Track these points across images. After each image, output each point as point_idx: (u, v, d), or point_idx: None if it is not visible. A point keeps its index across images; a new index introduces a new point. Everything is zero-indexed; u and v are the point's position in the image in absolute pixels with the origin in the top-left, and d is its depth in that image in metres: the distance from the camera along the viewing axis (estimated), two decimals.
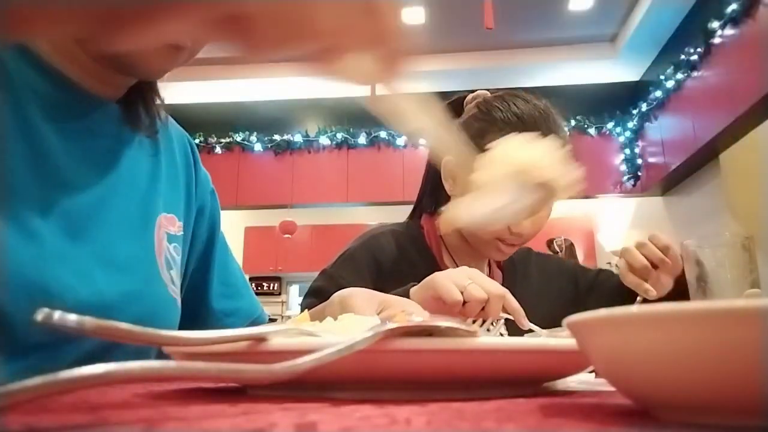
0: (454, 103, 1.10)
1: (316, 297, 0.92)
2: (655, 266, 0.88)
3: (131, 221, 0.61)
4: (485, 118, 0.99)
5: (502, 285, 1.10)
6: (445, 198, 1.05)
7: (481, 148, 0.95)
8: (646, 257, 0.89)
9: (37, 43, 0.55)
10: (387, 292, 0.87)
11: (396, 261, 0.99)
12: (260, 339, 0.31)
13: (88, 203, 0.57)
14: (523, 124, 0.95)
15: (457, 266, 0.99)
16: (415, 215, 1.11)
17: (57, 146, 0.55)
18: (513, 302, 0.71)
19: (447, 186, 1.01)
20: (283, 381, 0.25)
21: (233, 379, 0.28)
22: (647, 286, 0.87)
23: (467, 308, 0.69)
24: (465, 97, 1.08)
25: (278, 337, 0.32)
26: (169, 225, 0.67)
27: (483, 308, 0.70)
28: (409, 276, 0.91)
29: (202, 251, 0.75)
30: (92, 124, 0.60)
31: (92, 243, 0.55)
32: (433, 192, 1.07)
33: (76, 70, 0.57)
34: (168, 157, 0.70)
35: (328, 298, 0.84)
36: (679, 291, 0.87)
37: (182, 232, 0.69)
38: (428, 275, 0.83)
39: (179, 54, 0.55)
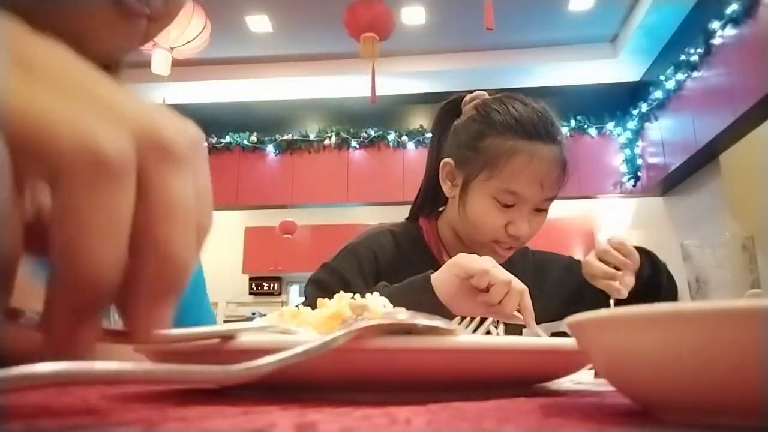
0: (452, 103, 1.10)
1: (318, 288, 0.92)
2: (617, 268, 0.89)
3: None
4: (484, 121, 0.98)
5: None
6: (443, 199, 1.06)
7: (478, 150, 0.96)
8: (610, 262, 0.90)
9: None
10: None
11: (395, 259, 1.00)
12: (229, 337, 0.29)
13: None
14: (521, 126, 0.94)
15: None
16: (412, 216, 1.11)
17: None
18: (528, 300, 0.74)
19: (445, 188, 1.02)
20: (240, 383, 0.23)
21: (185, 380, 0.26)
22: (617, 285, 0.88)
23: (493, 292, 0.73)
24: (463, 97, 1.08)
25: (251, 334, 0.30)
26: None
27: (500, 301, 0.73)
28: (408, 275, 0.92)
29: None
30: None
31: None
32: (432, 193, 1.07)
33: None
34: None
35: (331, 289, 0.85)
36: (642, 284, 0.91)
37: None
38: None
39: (133, 21, 0.43)
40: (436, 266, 0.97)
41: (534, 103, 0.99)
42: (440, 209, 1.10)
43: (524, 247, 1.09)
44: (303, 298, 0.98)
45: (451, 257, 1.02)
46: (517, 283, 0.73)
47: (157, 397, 0.31)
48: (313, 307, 0.43)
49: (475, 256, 0.77)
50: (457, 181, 1.00)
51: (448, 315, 0.77)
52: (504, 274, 0.73)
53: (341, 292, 0.44)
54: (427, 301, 0.76)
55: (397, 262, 1.00)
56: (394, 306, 0.72)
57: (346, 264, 0.96)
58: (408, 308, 0.62)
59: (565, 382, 0.48)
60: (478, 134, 0.98)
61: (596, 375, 0.51)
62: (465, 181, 0.97)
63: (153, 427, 0.19)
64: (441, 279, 0.78)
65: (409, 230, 1.07)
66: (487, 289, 0.73)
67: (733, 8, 3.72)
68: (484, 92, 1.06)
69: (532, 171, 0.92)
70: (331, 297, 0.88)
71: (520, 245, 0.99)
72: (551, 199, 0.97)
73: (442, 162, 1.02)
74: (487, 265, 0.74)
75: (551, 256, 1.17)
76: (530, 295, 0.74)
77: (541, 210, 0.97)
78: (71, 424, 0.21)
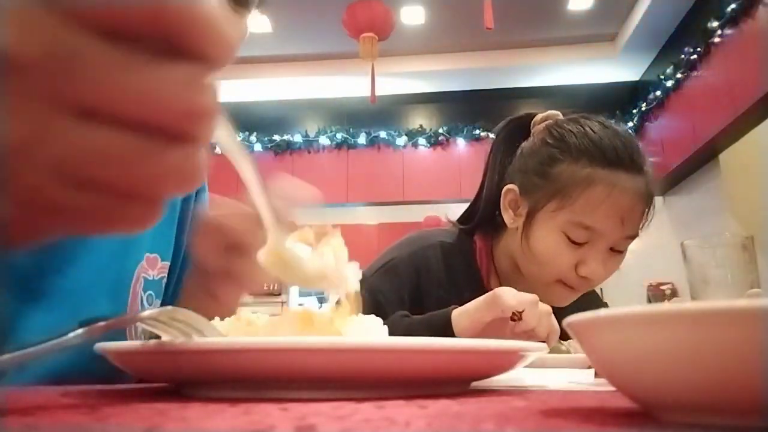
0: (519, 121, 0.97)
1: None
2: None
3: (105, 278, 0.52)
4: (557, 144, 0.87)
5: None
6: (504, 225, 0.93)
7: (549, 177, 0.87)
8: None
9: None
10: (424, 308, 0.84)
11: (440, 277, 0.92)
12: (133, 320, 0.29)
13: (53, 260, 0.48)
14: (601, 152, 0.83)
15: None
16: (468, 227, 0.98)
17: None
18: (554, 321, 0.71)
19: (506, 217, 0.91)
20: None
21: None
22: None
23: (526, 317, 0.69)
24: (533, 115, 0.96)
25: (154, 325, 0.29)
26: (150, 268, 0.58)
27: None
28: (452, 295, 0.87)
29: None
30: None
31: (58, 308, 0.47)
32: (491, 215, 0.96)
33: None
34: None
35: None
36: None
37: (163, 274, 0.61)
38: (471, 297, 0.80)
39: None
40: (482, 291, 0.86)
41: (616, 126, 0.88)
42: (499, 231, 0.97)
43: None
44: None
45: (499, 281, 0.94)
46: (543, 305, 0.71)
47: (157, 397, 0.31)
48: None
49: (517, 293, 0.71)
50: (521, 210, 0.89)
51: None
52: (531, 296, 0.70)
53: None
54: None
55: (441, 279, 0.91)
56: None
57: (384, 284, 0.88)
58: None
59: (565, 382, 0.48)
60: (549, 159, 0.86)
61: (596, 375, 0.51)
62: (530, 212, 0.86)
63: (153, 427, 0.19)
64: (469, 315, 0.73)
65: (462, 245, 0.96)
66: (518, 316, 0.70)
67: (732, 8, 3.71)
68: (558, 113, 0.94)
69: (611, 204, 0.81)
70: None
71: (589, 288, 0.88)
72: (632, 238, 0.86)
73: (504, 188, 0.91)
74: (529, 298, 0.70)
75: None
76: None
77: (618, 251, 0.86)
78: (71, 424, 0.21)
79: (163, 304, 0.61)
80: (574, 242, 0.82)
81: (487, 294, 0.74)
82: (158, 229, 0.59)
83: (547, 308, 0.71)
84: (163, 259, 0.61)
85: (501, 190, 0.92)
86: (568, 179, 0.83)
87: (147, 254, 0.58)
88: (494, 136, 0.99)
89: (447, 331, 0.73)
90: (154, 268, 0.59)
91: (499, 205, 0.92)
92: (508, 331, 0.70)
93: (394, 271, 0.91)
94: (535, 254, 0.86)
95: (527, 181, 0.88)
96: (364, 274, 0.91)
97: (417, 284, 0.90)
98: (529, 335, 0.69)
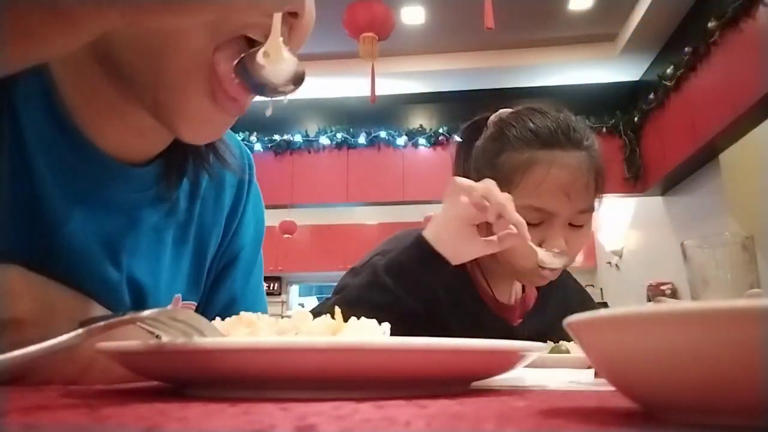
0: (473, 125, 1.01)
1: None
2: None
3: None
4: (499, 137, 0.92)
5: (537, 305, 1.05)
6: None
7: (496, 169, 0.90)
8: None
9: (62, 97, 0.49)
10: (419, 304, 0.86)
11: None
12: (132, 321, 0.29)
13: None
14: (537, 137, 0.87)
15: (490, 285, 0.98)
16: None
17: (70, 220, 0.48)
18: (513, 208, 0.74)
19: None
20: None
21: None
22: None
23: (491, 211, 0.73)
24: (487, 117, 0.99)
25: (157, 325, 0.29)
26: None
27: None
28: (440, 290, 0.88)
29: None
30: (109, 196, 0.51)
31: None
32: None
33: (100, 129, 0.50)
34: (208, 198, 0.61)
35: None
36: None
37: None
38: (461, 290, 0.92)
39: (227, 107, 0.47)
40: (468, 283, 0.94)
41: (555, 112, 0.91)
42: None
43: (566, 271, 1.02)
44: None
45: (484, 275, 0.97)
46: (501, 196, 0.74)
47: (157, 397, 0.31)
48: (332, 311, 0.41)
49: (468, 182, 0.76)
50: None
51: (448, 268, 0.78)
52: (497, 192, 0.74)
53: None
54: (424, 255, 0.76)
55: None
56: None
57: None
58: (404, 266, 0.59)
59: (565, 382, 0.48)
60: (494, 152, 0.91)
61: (596, 375, 0.51)
62: None
63: (153, 427, 0.19)
64: (440, 219, 0.78)
65: None
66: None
67: (732, 7, 3.71)
68: (508, 109, 0.98)
69: (552, 181, 0.84)
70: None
71: (566, 265, 0.89)
72: (586, 212, 0.89)
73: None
74: (487, 185, 0.75)
75: (566, 276, 1.09)
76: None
77: (577, 225, 0.89)
78: (71, 424, 0.21)
79: None
80: (530, 225, 0.82)
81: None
82: (184, 270, 0.59)
83: (506, 196, 0.74)
84: (183, 299, 0.60)
85: None
86: (510, 167, 0.87)
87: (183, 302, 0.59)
88: (457, 140, 1.03)
89: (421, 245, 0.77)
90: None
91: None
92: (477, 238, 0.76)
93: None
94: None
95: (481, 174, 0.90)
96: (354, 266, 0.93)
97: None
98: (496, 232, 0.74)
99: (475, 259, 0.96)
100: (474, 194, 0.74)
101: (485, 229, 0.78)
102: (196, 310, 0.62)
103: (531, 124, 0.89)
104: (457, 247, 0.78)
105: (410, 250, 0.79)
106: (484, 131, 0.97)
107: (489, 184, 0.75)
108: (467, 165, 0.98)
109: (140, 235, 0.55)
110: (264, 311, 0.68)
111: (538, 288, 1.03)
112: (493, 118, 0.97)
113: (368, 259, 0.94)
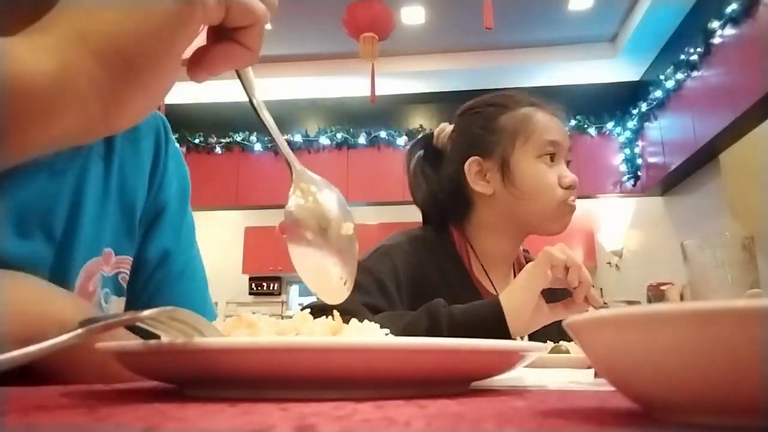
0: (420, 140, 1.11)
1: (356, 291, 0.88)
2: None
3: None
4: (482, 112, 1.04)
5: None
6: (468, 204, 1.03)
7: (498, 130, 1.00)
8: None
9: None
10: (417, 288, 0.92)
11: (428, 266, 0.97)
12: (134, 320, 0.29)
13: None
14: (514, 100, 1.03)
15: (487, 275, 1.01)
16: (433, 225, 1.06)
17: None
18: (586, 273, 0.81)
19: (480, 188, 0.99)
20: None
21: None
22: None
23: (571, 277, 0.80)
24: (431, 134, 1.10)
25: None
26: (105, 264, 0.58)
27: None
28: (439, 282, 0.95)
29: (151, 273, 0.65)
30: None
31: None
32: (456, 200, 1.03)
33: None
34: (126, 155, 0.62)
35: (366, 290, 0.87)
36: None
37: (120, 269, 0.60)
38: (460, 283, 0.97)
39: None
40: (467, 274, 0.98)
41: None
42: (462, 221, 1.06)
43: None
44: (303, 299, 0.97)
45: (481, 264, 1.02)
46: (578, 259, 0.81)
47: (157, 397, 0.31)
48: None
49: (563, 247, 0.81)
50: (490, 174, 0.99)
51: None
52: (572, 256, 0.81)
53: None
54: (491, 326, 0.77)
55: (430, 267, 0.97)
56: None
57: (382, 266, 0.92)
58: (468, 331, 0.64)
59: (565, 382, 0.48)
60: (488, 120, 1.01)
61: (596, 375, 0.51)
62: (504, 161, 0.98)
63: (153, 427, 0.19)
64: (521, 288, 0.81)
65: (439, 236, 1.03)
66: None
67: (732, 8, 3.72)
68: (446, 124, 1.10)
69: (555, 120, 1.00)
70: (366, 296, 0.88)
71: (577, 194, 1.00)
72: (571, 148, 1.02)
73: (467, 164, 1.00)
74: (566, 252, 0.81)
75: None
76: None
77: (569, 161, 1.01)
78: (71, 424, 0.21)
79: (128, 302, 0.61)
80: (549, 161, 0.97)
81: (529, 265, 0.82)
82: (111, 224, 0.59)
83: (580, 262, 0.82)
84: (117, 254, 0.60)
85: (450, 185, 1.02)
86: (515, 122, 0.99)
87: (107, 249, 0.58)
88: (407, 155, 1.11)
89: (498, 322, 0.77)
90: (108, 263, 0.59)
91: (456, 197, 1.02)
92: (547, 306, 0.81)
93: (388, 255, 0.95)
94: (528, 189, 0.96)
95: (483, 145, 1.00)
96: (358, 261, 0.94)
97: (409, 269, 0.95)
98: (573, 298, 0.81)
99: (474, 251, 1.02)
100: (559, 265, 0.80)
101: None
102: (133, 265, 0.63)
103: (508, 93, 1.06)
104: (532, 319, 0.80)
105: (483, 318, 0.79)
106: (441, 136, 1.07)
107: (567, 251, 0.81)
108: (439, 163, 1.06)
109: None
110: (202, 272, 0.70)
111: None
112: (440, 128, 1.09)
113: (372, 253, 0.96)
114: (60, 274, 0.53)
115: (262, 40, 0.41)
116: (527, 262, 1.08)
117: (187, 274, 0.67)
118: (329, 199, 0.46)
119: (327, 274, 0.43)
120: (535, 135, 0.97)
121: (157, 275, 0.64)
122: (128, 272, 0.62)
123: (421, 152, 1.08)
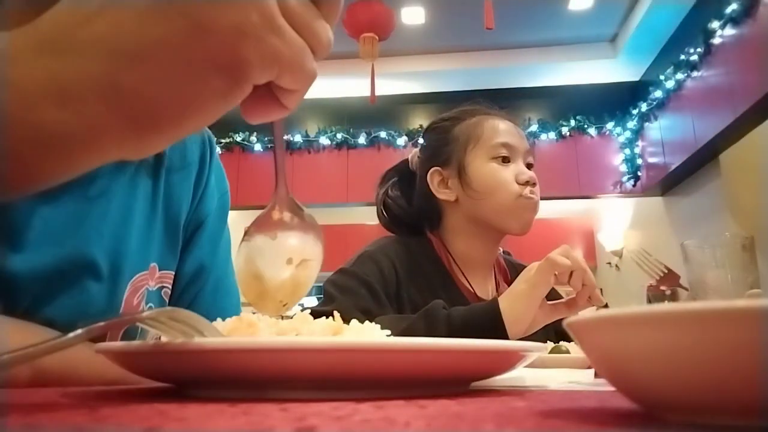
0: (396, 167, 1.18)
1: (342, 292, 0.91)
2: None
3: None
4: (439, 127, 1.10)
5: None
6: (439, 213, 1.08)
7: (453, 140, 1.05)
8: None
9: None
10: (410, 300, 0.95)
11: (412, 269, 1.00)
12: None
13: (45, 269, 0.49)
14: (469, 111, 1.08)
15: (466, 278, 1.03)
16: (410, 233, 1.09)
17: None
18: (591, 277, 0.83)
19: (444, 195, 1.05)
20: None
21: None
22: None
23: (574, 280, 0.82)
24: (406, 160, 1.17)
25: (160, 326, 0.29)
26: (150, 278, 0.59)
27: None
28: (423, 286, 0.97)
29: (187, 284, 0.65)
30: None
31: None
32: (428, 210, 1.08)
33: None
34: (173, 168, 0.62)
35: (354, 293, 0.90)
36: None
37: (162, 284, 0.61)
38: (442, 286, 0.99)
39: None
40: (449, 277, 1.01)
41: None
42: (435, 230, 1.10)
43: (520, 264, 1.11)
44: (303, 299, 0.97)
45: (460, 269, 1.04)
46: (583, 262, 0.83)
47: (156, 397, 0.31)
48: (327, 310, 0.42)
49: (566, 250, 0.82)
50: (451, 181, 1.04)
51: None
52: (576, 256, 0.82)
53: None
54: (489, 328, 0.79)
55: (413, 271, 0.99)
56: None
57: (367, 269, 0.95)
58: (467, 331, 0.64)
59: (565, 382, 0.48)
60: (444, 133, 1.07)
61: (596, 375, 0.51)
62: (460, 166, 1.03)
63: (153, 427, 0.19)
64: (524, 294, 0.81)
65: (418, 241, 1.07)
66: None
67: (732, 8, 3.71)
68: (415, 149, 1.17)
69: (506, 124, 1.04)
70: (357, 300, 0.91)
71: (538, 197, 1.02)
72: (532, 155, 1.05)
73: (429, 175, 1.06)
74: (570, 255, 0.82)
75: None
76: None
77: (530, 165, 1.04)
78: (71, 424, 0.21)
79: None
80: (502, 160, 1.01)
81: (530, 267, 0.83)
82: (157, 239, 0.60)
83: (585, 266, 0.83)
84: (161, 268, 0.60)
85: (420, 199, 1.08)
86: (467, 129, 1.05)
87: (154, 263, 0.59)
88: (383, 179, 1.17)
89: (497, 330, 0.78)
90: (152, 278, 0.59)
91: (427, 207, 1.07)
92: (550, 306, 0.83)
93: (372, 259, 0.98)
94: (484, 188, 1.00)
95: (440, 156, 1.06)
96: (343, 267, 0.98)
97: (394, 272, 0.98)
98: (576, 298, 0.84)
99: (452, 255, 1.06)
100: (564, 272, 0.82)
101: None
102: (176, 282, 0.63)
103: (465, 107, 1.10)
104: (533, 322, 0.82)
105: (482, 324, 0.80)
106: (411, 157, 1.14)
107: (572, 254, 0.82)
108: (414, 182, 1.11)
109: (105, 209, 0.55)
110: (236, 289, 0.68)
111: (508, 282, 1.09)
112: (413, 154, 1.16)
113: (356, 259, 0.98)
114: (110, 289, 0.54)
115: (300, 101, 0.39)
116: (507, 264, 1.12)
117: (222, 290, 0.67)
118: (292, 241, 0.44)
119: (266, 292, 0.43)
120: (484, 138, 1.02)
121: (192, 289, 0.65)
122: (170, 286, 0.62)
123: (395, 178, 1.15)
